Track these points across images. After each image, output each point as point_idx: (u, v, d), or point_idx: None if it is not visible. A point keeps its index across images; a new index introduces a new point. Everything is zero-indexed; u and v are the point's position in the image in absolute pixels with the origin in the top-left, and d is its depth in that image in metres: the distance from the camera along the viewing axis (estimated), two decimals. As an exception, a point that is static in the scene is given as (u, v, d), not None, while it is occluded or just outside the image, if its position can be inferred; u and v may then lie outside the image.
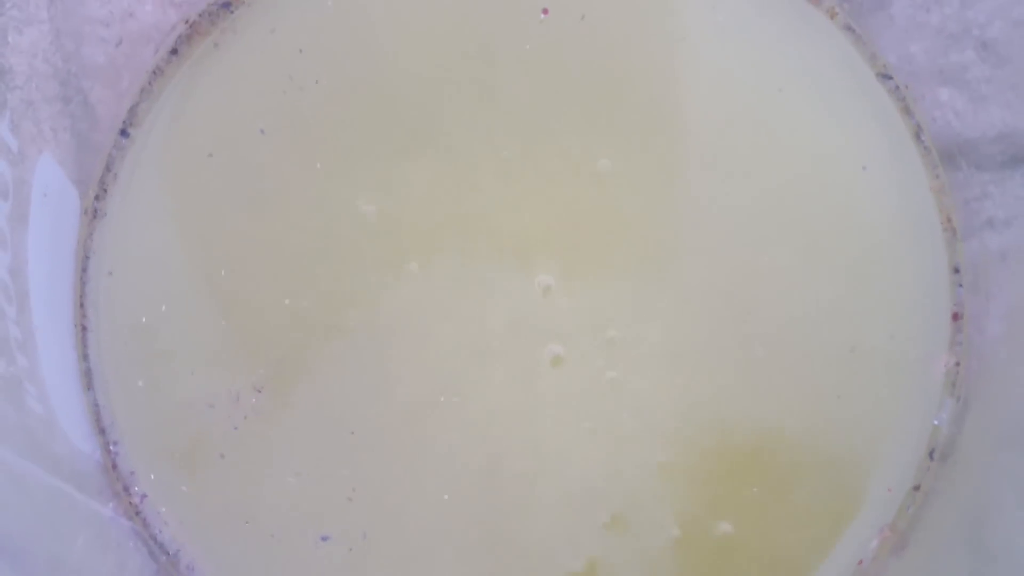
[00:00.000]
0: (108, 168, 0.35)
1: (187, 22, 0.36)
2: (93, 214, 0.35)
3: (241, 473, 0.34)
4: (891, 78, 0.37)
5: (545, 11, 0.35)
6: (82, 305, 0.35)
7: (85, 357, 0.35)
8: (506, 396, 0.34)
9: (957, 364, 0.35)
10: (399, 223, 0.35)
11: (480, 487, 0.34)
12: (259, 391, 0.34)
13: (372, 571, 0.34)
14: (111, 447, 0.34)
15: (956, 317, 0.36)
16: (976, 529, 0.33)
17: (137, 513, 0.34)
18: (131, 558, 0.32)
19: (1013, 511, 0.33)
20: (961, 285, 0.36)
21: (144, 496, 0.34)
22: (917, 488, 0.35)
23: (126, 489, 0.34)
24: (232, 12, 0.35)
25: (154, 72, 0.36)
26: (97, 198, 0.35)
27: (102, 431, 0.34)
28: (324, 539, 0.33)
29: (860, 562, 0.34)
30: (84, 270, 0.35)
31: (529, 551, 0.34)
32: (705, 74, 0.35)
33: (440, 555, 0.34)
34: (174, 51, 0.36)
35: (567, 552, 0.34)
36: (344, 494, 0.34)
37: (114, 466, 0.34)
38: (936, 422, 0.35)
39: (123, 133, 0.36)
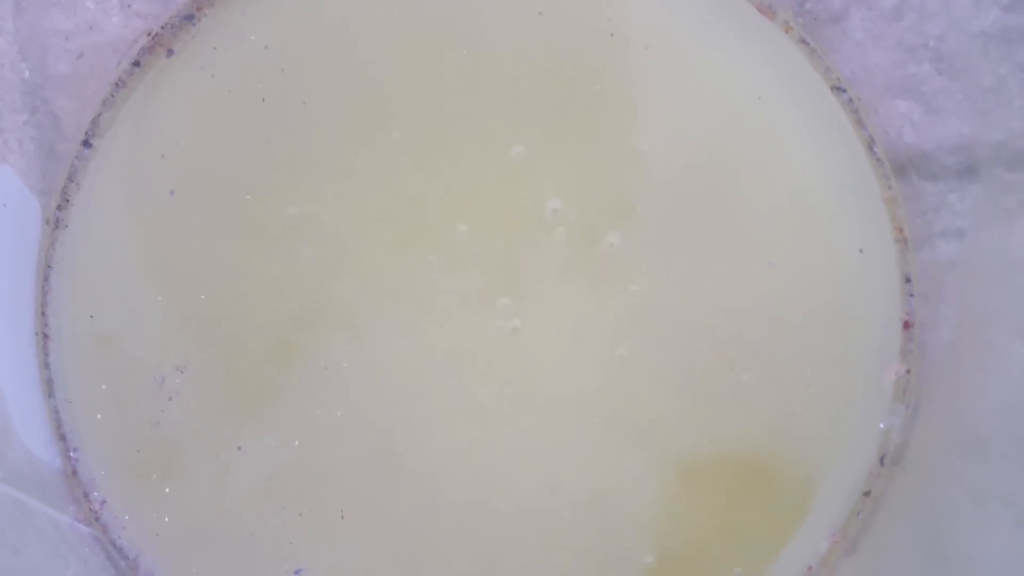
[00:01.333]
0: (71, 178, 0.36)
1: (150, 34, 0.36)
2: (55, 224, 0.36)
3: (205, 479, 0.34)
4: (845, 91, 0.37)
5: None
6: (44, 314, 0.35)
7: (46, 365, 0.35)
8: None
9: (908, 371, 0.36)
10: (367, 233, 0.35)
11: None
12: (227, 400, 0.35)
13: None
14: (71, 453, 0.35)
15: (907, 325, 0.36)
16: (928, 533, 0.34)
17: (96, 519, 0.34)
18: (89, 565, 0.33)
19: (965, 515, 0.33)
20: (912, 295, 0.36)
21: (104, 502, 0.34)
22: (867, 494, 0.35)
23: (86, 495, 0.34)
24: (194, 24, 0.36)
25: (116, 83, 0.36)
26: (59, 208, 0.36)
27: (62, 438, 0.35)
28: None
29: (809, 568, 0.35)
30: (46, 279, 0.35)
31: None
32: (658, 85, 0.36)
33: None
34: (136, 63, 0.36)
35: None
36: (311, 499, 0.34)
37: (74, 472, 0.34)
38: (886, 427, 0.36)
39: (85, 144, 0.36)
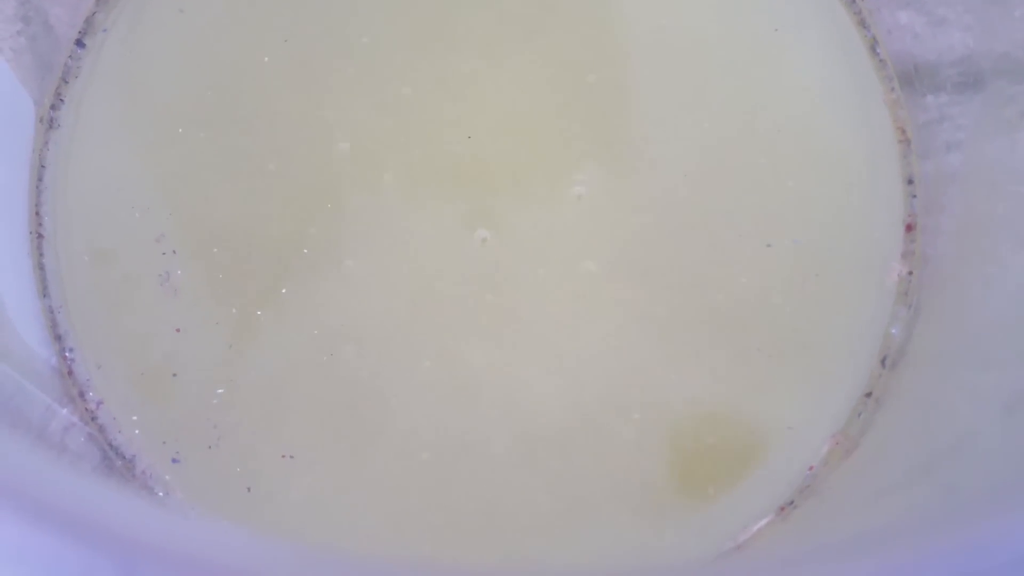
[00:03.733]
0: (64, 79, 0.35)
1: (142, -67, 0.35)
2: (49, 123, 0.35)
3: (202, 388, 0.34)
4: (847, -7, 0.37)
5: None
6: (38, 214, 0.35)
7: (41, 265, 0.35)
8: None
9: (910, 273, 0.36)
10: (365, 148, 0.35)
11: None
12: (222, 304, 0.34)
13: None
14: (67, 354, 0.34)
15: (910, 228, 0.36)
16: (927, 433, 0.34)
17: (93, 419, 0.34)
18: (87, 459, 0.33)
19: (962, 416, 0.33)
20: (915, 196, 0.36)
21: (100, 402, 0.34)
22: (869, 395, 0.35)
23: (82, 395, 0.34)
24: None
25: (110, -17, 0.36)
26: (53, 107, 0.35)
27: (58, 338, 0.34)
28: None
29: (811, 467, 0.34)
30: (40, 179, 0.35)
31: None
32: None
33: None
34: (130, -38, 0.36)
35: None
36: (309, 406, 0.34)
37: (70, 372, 0.34)
38: (890, 330, 0.36)
39: (79, 43, 0.36)
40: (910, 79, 0.38)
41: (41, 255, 0.35)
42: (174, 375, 0.34)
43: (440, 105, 0.35)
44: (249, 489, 0.33)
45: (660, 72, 0.36)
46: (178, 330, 0.34)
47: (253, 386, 0.34)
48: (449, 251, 0.35)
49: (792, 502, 0.34)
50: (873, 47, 0.36)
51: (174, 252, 0.35)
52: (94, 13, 0.36)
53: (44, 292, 0.35)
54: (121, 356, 0.34)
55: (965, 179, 0.37)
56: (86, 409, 0.34)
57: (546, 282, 0.35)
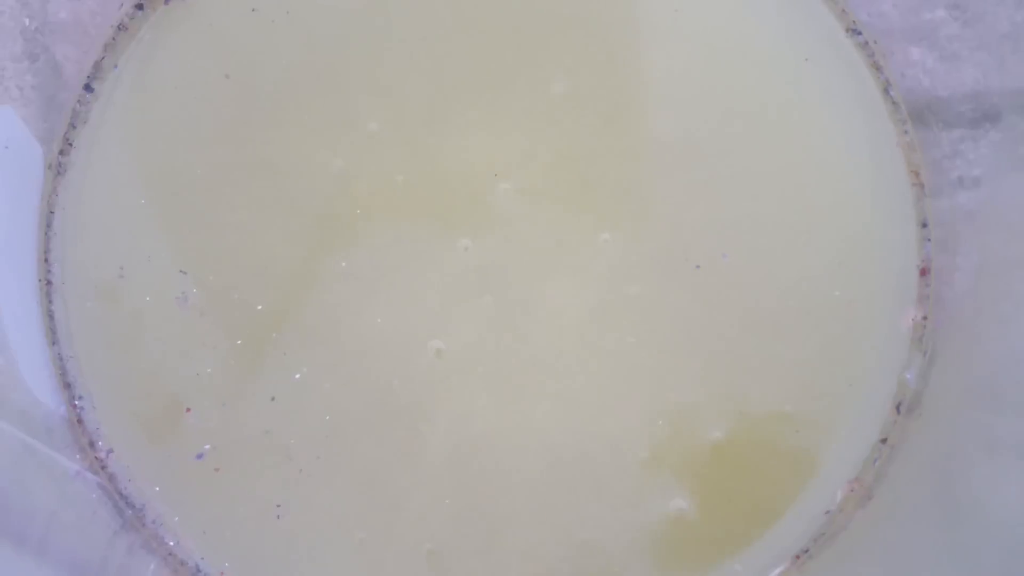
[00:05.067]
0: (72, 124, 0.35)
1: (151, -24, 0.35)
2: (57, 169, 0.35)
3: (210, 427, 0.34)
4: (860, 33, 0.36)
5: None
6: (46, 260, 0.35)
7: (50, 313, 0.34)
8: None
9: (924, 318, 0.35)
10: (364, 172, 0.35)
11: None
12: (232, 347, 0.34)
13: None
14: (76, 402, 0.34)
15: (924, 272, 0.36)
16: (942, 481, 0.34)
17: (103, 468, 0.34)
18: (98, 511, 0.32)
19: (978, 463, 0.33)
20: (929, 240, 0.36)
21: (110, 451, 0.34)
22: (884, 441, 0.35)
23: (92, 444, 0.34)
24: (197, -33, 0.35)
25: (118, 27, 0.35)
26: (62, 153, 0.35)
27: (68, 386, 0.34)
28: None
29: (827, 512, 0.34)
30: (48, 225, 0.35)
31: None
32: (674, 29, 0.35)
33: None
34: (139, 6, 0.36)
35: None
36: (315, 449, 0.34)
37: (79, 421, 0.34)
38: (904, 375, 0.35)
39: (87, 88, 0.35)
40: (923, 116, 0.38)
41: (50, 302, 0.34)
42: (183, 419, 0.34)
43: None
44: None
45: (675, 118, 0.35)
46: (188, 375, 0.34)
47: (258, 434, 0.34)
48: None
49: (807, 550, 0.34)
50: (886, 90, 0.36)
51: (184, 296, 0.34)
52: (103, 58, 0.35)
53: (53, 340, 0.34)
54: (131, 402, 0.34)
55: (979, 216, 0.37)
56: (96, 458, 0.34)
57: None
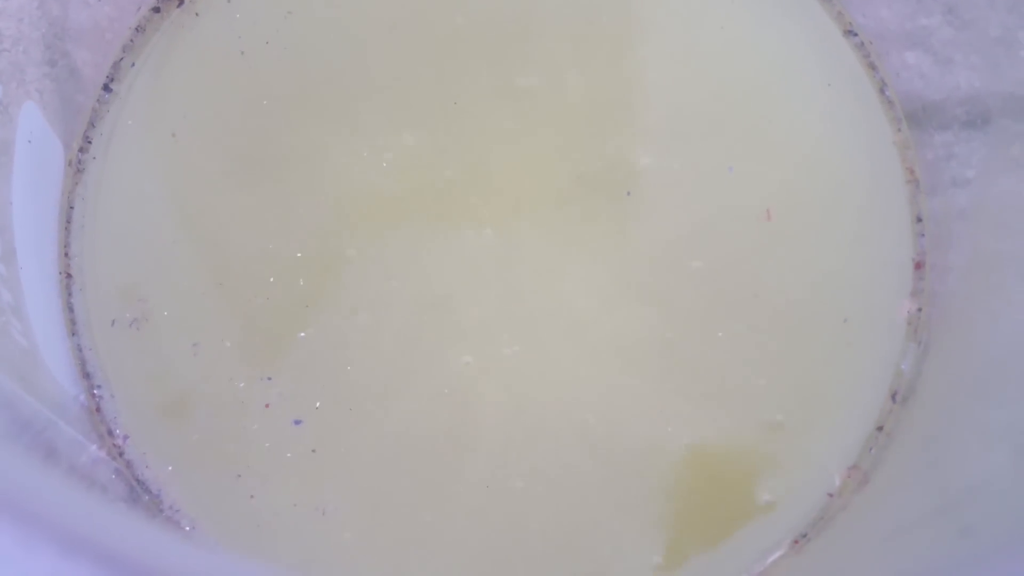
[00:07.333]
0: (92, 123, 0.36)
1: (169, -21, 0.36)
2: (77, 166, 0.36)
3: (226, 419, 0.35)
4: (856, 35, 0.38)
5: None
6: (67, 254, 0.36)
7: (70, 305, 0.35)
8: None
9: (919, 310, 0.36)
10: (400, 172, 0.36)
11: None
12: (246, 340, 0.35)
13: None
14: (95, 391, 0.35)
15: (919, 265, 0.37)
16: (936, 467, 0.34)
17: (120, 454, 0.35)
18: (115, 495, 0.33)
19: (972, 451, 0.34)
20: (923, 234, 0.37)
21: (127, 437, 0.35)
22: (880, 429, 0.36)
23: (110, 432, 0.35)
24: (213, -30, 0.36)
25: (136, 29, 0.37)
26: (81, 150, 0.36)
27: (87, 375, 0.35)
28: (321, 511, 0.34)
29: (830, 495, 0.35)
30: (68, 221, 0.36)
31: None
32: (668, 30, 0.36)
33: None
34: (156, 8, 0.37)
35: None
36: (332, 442, 0.35)
37: (98, 409, 0.35)
38: (900, 366, 0.36)
39: (106, 88, 0.36)
40: (918, 118, 0.39)
41: (70, 295, 0.35)
42: (198, 409, 0.35)
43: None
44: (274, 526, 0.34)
45: (670, 118, 0.37)
46: (203, 367, 0.35)
47: (283, 422, 0.35)
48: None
49: (806, 535, 0.35)
50: (882, 89, 0.37)
51: (200, 291, 0.35)
52: (120, 59, 0.36)
53: (72, 331, 0.35)
54: (147, 392, 0.35)
55: (973, 216, 0.38)
56: (114, 445, 0.35)
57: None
